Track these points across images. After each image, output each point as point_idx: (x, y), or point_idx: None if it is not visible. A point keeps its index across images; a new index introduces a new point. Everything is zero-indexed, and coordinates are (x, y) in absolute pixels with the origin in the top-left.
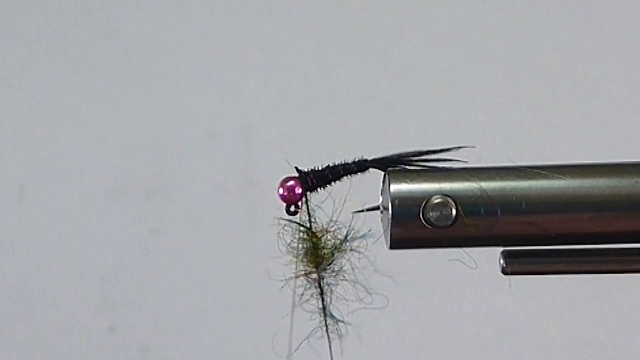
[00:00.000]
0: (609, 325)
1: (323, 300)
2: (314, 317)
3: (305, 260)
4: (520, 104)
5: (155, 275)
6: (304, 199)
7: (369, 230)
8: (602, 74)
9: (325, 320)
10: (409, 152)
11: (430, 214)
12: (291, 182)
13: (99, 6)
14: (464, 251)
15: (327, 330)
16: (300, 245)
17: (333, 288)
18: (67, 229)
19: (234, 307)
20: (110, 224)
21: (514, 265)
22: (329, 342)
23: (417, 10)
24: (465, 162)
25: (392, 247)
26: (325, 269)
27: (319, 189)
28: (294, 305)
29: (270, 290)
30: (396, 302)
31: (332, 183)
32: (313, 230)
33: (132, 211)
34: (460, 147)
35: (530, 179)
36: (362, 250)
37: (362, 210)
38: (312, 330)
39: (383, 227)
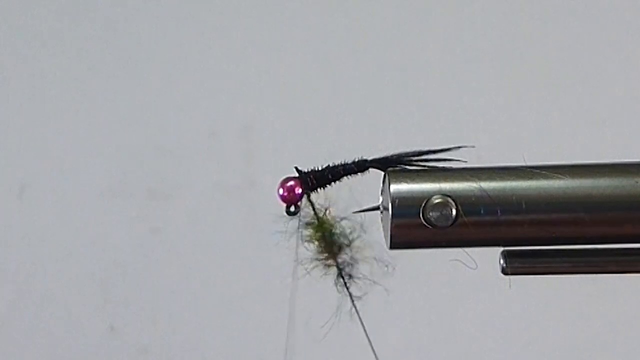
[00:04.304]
0: (609, 325)
1: (347, 287)
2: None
3: (320, 253)
4: (520, 104)
5: (155, 275)
6: (304, 199)
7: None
8: (602, 74)
9: (354, 304)
10: (409, 152)
11: (430, 214)
12: (291, 183)
13: (100, 6)
14: (464, 251)
15: (357, 312)
16: (313, 240)
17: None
18: (68, 229)
19: (234, 307)
20: (110, 224)
21: (514, 265)
22: (362, 323)
23: (417, 10)
24: (465, 162)
25: (392, 247)
26: (340, 258)
27: (319, 189)
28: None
29: (270, 290)
30: (396, 302)
31: (332, 183)
32: (321, 223)
33: (132, 211)
34: (460, 147)
35: (530, 179)
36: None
37: (362, 211)
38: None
39: (383, 227)
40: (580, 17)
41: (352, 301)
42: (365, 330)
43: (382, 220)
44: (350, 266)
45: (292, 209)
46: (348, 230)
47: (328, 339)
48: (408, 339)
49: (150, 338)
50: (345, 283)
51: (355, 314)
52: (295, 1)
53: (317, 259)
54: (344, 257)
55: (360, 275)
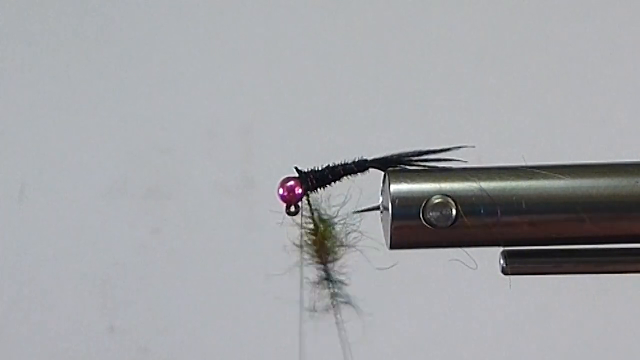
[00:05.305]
0: (609, 325)
1: (333, 291)
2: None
3: (313, 255)
4: (520, 103)
5: (155, 275)
6: (304, 199)
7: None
8: (602, 74)
9: (337, 310)
10: (409, 152)
11: (430, 214)
12: (291, 183)
13: (99, 6)
14: (464, 251)
15: (338, 317)
16: (307, 242)
17: (341, 282)
18: (67, 229)
19: (234, 307)
20: (110, 224)
21: (514, 265)
22: (340, 328)
23: (417, 10)
24: (465, 162)
25: (392, 247)
26: (332, 262)
27: (319, 189)
28: (302, 303)
29: (270, 290)
30: (396, 302)
31: (332, 183)
32: (317, 226)
33: (132, 211)
34: (460, 147)
35: (530, 179)
36: (361, 250)
37: (362, 210)
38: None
39: (383, 227)
40: (580, 17)
41: (334, 306)
42: (342, 335)
43: (382, 220)
44: (338, 272)
45: (292, 209)
46: (343, 235)
47: (329, 336)
48: (408, 339)
49: (150, 338)
50: (331, 287)
51: (344, 314)
52: (295, 1)
53: (311, 258)
54: (334, 261)
55: (348, 280)
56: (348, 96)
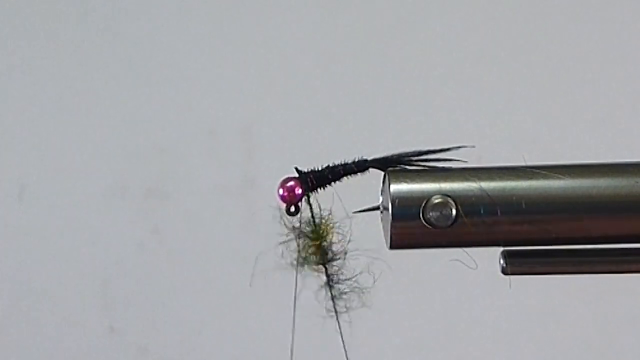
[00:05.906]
0: (609, 325)
1: (332, 293)
2: (315, 313)
3: (311, 256)
4: (520, 104)
5: (155, 275)
6: (304, 199)
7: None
8: (602, 74)
9: (336, 312)
10: (409, 152)
11: (430, 214)
12: (291, 183)
13: (100, 6)
14: (464, 251)
15: (338, 321)
16: (305, 242)
17: (338, 284)
18: (67, 229)
19: (234, 307)
20: (110, 224)
21: (514, 265)
22: (341, 333)
23: (417, 10)
24: (465, 162)
25: (392, 247)
26: (331, 262)
27: (319, 189)
28: (295, 298)
29: (270, 290)
30: (396, 302)
31: (332, 183)
32: (317, 227)
33: (132, 211)
34: (460, 147)
35: (530, 179)
36: (362, 250)
37: (362, 210)
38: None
39: (383, 227)
40: (580, 17)
41: (335, 310)
42: (343, 342)
43: (382, 220)
44: (338, 276)
45: (292, 209)
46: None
47: (328, 340)
48: (408, 339)
49: (150, 338)
50: (331, 292)
51: (346, 317)
52: (295, 1)
53: (308, 261)
54: (334, 265)
55: (347, 286)
56: (348, 96)
